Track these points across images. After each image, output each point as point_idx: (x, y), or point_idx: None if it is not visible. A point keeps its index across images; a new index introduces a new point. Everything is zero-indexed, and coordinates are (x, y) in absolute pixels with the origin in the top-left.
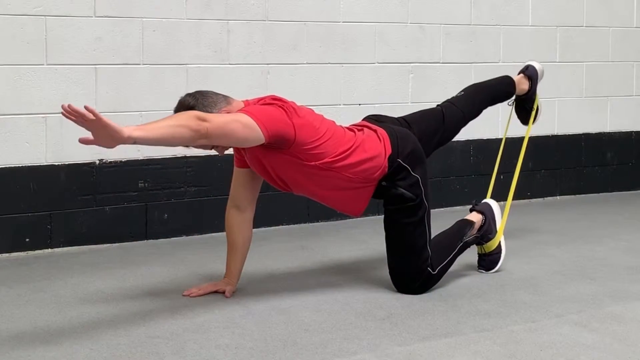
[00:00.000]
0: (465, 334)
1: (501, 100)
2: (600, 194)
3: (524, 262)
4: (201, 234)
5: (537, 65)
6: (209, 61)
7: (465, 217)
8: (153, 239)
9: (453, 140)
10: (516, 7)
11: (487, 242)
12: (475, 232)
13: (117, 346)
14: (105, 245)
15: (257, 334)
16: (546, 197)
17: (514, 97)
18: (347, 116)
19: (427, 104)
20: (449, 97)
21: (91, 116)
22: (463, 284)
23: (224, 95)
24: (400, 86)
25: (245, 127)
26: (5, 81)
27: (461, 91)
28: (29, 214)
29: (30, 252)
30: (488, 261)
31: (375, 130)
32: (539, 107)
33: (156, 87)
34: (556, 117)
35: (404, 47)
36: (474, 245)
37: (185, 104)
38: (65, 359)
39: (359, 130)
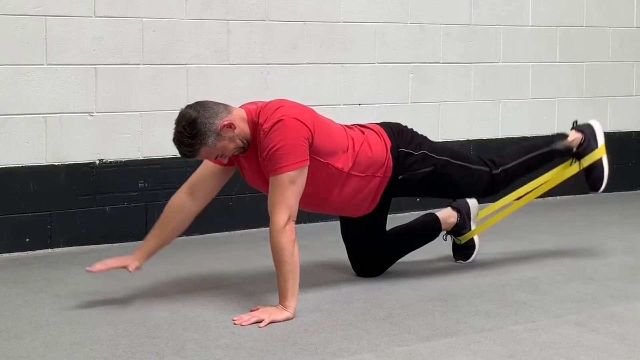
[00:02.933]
0: (465, 334)
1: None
2: (600, 194)
3: (524, 262)
4: (201, 234)
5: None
6: (209, 61)
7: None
8: None
9: (453, 140)
10: (516, 7)
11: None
12: (567, 144)
13: (117, 346)
14: (105, 245)
15: (257, 334)
16: (546, 197)
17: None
18: (347, 116)
19: (427, 104)
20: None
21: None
22: (463, 284)
23: (224, 105)
24: (400, 86)
25: (301, 178)
26: (5, 81)
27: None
28: (29, 214)
29: (30, 252)
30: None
31: (372, 129)
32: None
33: (156, 87)
34: (556, 117)
35: (404, 47)
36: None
37: (186, 117)
38: (66, 359)
39: (359, 128)
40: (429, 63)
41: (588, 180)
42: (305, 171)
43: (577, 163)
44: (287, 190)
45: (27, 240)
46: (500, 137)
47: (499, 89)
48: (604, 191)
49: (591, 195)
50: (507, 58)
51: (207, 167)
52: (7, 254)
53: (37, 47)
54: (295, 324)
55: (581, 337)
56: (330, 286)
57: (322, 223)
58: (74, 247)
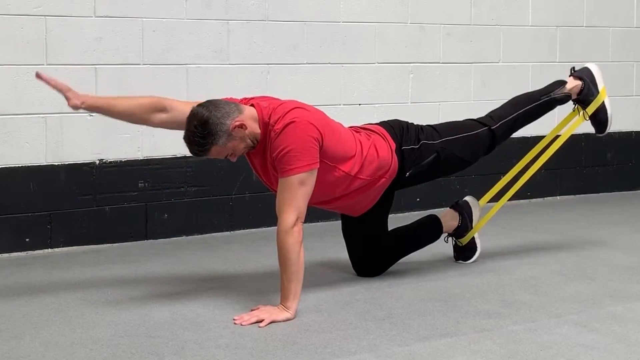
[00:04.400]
0: (465, 334)
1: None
2: (600, 194)
3: (524, 262)
4: (201, 234)
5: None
6: (209, 61)
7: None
8: (153, 239)
9: None
10: (516, 7)
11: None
12: (566, 92)
13: (117, 346)
14: (105, 245)
15: (257, 334)
16: (546, 197)
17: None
18: (347, 116)
19: (427, 104)
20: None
21: None
22: (463, 284)
23: (235, 104)
24: (400, 86)
25: (311, 180)
26: (5, 81)
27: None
28: (29, 214)
29: (30, 252)
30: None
31: (376, 132)
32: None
33: (156, 87)
34: (556, 117)
35: (404, 47)
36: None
37: (198, 116)
38: (65, 359)
39: (366, 132)
40: (429, 63)
41: (593, 124)
42: (315, 173)
43: (583, 113)
44: (297, 192)
45: (27, 240)
46: None
47: (499, 89)
48: (602, 192)
49: (591, 195)
50: (507, 58)
51: (184, 111)
52: (7, 254)
53: (37, 47)
54: (295, 324)
55: (581, 337)
56: (330, 286)
57: (322, 223)
58: (74, 247)
